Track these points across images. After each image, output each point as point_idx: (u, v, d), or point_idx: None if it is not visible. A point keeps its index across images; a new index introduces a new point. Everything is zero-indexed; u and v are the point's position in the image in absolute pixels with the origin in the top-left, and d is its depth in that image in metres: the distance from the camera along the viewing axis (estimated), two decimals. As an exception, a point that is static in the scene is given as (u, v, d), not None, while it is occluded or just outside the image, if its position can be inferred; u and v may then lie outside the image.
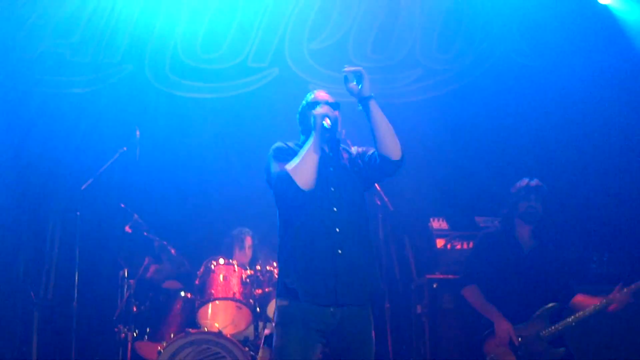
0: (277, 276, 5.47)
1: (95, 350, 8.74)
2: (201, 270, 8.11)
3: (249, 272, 8.06)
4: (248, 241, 8.64)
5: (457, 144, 9.64)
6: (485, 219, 8.54)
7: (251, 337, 7.91)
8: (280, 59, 9.92)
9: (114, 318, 8.03)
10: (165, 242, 8.36)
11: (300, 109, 5.53)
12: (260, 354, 7.30)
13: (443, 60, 10.02)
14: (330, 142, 5.39)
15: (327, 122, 5.17)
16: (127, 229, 8.27)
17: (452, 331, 8.11)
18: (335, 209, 5.21)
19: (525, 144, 9.63)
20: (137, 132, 8.59)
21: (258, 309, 7.90)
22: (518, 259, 7.12)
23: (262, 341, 7.31)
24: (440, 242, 8.67)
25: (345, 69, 5.29)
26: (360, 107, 5.22)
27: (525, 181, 7.23)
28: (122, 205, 8.40)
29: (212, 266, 8.04)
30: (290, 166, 5.06)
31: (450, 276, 8.21)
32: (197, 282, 8.09)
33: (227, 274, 8.00)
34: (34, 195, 9.32)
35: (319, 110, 5.24)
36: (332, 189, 5.26)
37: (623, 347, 7.96)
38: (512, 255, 7.13)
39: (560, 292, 7.08)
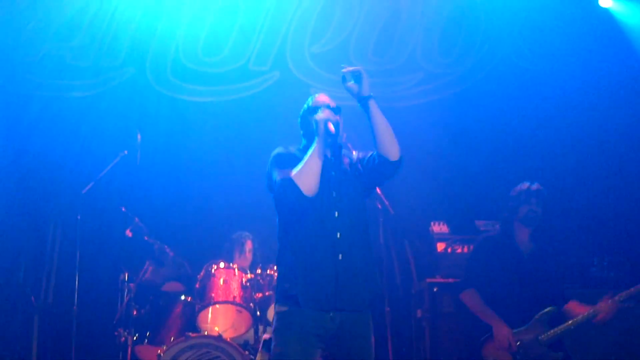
0: (276, 280, 5.45)
1: (95, 354, 8.72)
2: (201, 274, 8.12)
3: (249, 275, 8.06)
4: (248, 245, 8.65)
5: (458, 148, 9.64)
6: (485, 223, 8.55)
7: (251, 341, 7.91)
8: (282, 62, 9.94)
9: (114, 322, 8.04)
10: (164, 245, 8.34)
11: (301, 113, 5.51)
12: (258, 357, 7.29)
13: (444, 63, 10.03)
14: (332, 147, 5.38)
15: (330, 127, 5.17)
16: (128, 232, 8.27)
17: (452, 335, 8.11)
18: (336, 214, 5.20)
19: (526, 147, 9.64)
20: (139, 136, 8.59)
21: (258, 313, 7.90)
22: (517, 262, 7.09)
23: (261, 345, 7.30)
24: (440, 246, 8.68)
25: (344, 69, 5.30)
26: (360, 107, 5.22)
27: (526, 185, 7.20)
28: (123, 209, 8.39)
29: (213, 270, 8.04)
30: (293, 172, 5.06)
31: (450, 280, 8.21)
32: (197, 285, 8.10)
33: (227, 277, 8.01)
34: (35, 198, 9.31)
35: (322, 115, 5.23)
36: (334, 194, 5.25)
37: (622, 351, 7.94)
38: (511, 259, 7.11)
39: (559, 296, 7.06)
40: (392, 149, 5.18)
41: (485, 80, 9.92)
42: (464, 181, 9.57)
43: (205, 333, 7.75)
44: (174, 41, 9.87)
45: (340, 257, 5.13)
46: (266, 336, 7.38)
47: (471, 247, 8.31)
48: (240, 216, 9.15)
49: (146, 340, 7.99)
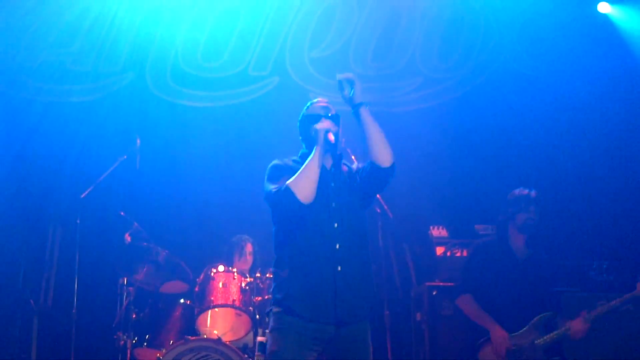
0: (272, 291, 5.42)
1: (95, 357, 8.71)
2: (201, 277, 8.11)
3: (248, 279, 8.06)
4: (248, 248, 8.64)
5: (457, 152, 9.65)
6: (484, 227, 8.56)
7: (250, 344, 7.90)
8: (281, 67, 9.95)
9: (113, 325, 8.03)
10: (157, 246, 8.32)
11: (300, 118, 5.51)
12: (255, 360, 7.36)
13: (443, 69, 10.05)
14: (332, 158, 5.40)
15: (330, 138, 5.19)
16: (127, 237, 8.26)
17: (451, 338, 8.10)
18: (336, 225, 5.20)
19: (525, 152, 9.64)
20: (138, 141, 8.60)
21: (257, 316, 7.88)
22: (512, 268, 7.08)
23: (256, 348, 7.32)
24: (439, 250, 8.69)
25: (338, 77, 5.30)
26: (352, 114, 5.23)
27: (525, 191, 7.17)
28: (122, 213, 8.39)
29: (212, 273, 8.04)
30: (290, 180, 5.06)
31: (449, 284, 8.19)
32: (196, 289, 8.09)
33: (226, 281, 8.00)
34: (34, 202, 9.30)
35: (322, 125, 5.25)
36: (333, 205, 5.25)
37: (620, 353, 7.93)
38: (507, 264, 7.10)
39: (554, 300, 7.06)
40: (384, 156, 5.17)
41: (484, 85, 9.94)
42: (463, 185, 9.57)
43: (205, 336, 7.74)
44: (173, 46, 9.88)
45: (339, 268, 5.12)
46: (261, 339, 7.41)
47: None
48: (239, 220, 9.14)
49: (145, 344, 7.99)
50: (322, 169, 5.22)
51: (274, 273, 5.34)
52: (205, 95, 9.90)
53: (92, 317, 8.61)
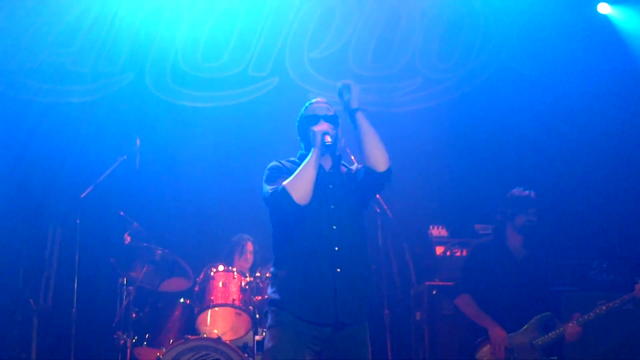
0: (269, 291, 5.41)
1: (95, 357, 8.73)
2: (201, 277, 8.11)
3: (248, 278, 8.06)
4: (249, 247, 8.65)
5: (457, 152, 9.66)
6: (484, 227, 8.54)
7: (250, 344, 7.89)
8: (281, 68, 9.96)
9: (113, 324, 8.01)
10: (152, 245, 8.30)
11: (299, 118, 5.50)
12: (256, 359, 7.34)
13: (443, 69, 10.06)
14: (331, 159, 5.40)
15: (327, 140, 5.18)
16: (127, 236, 8.26)
17: (451, 338, 8.10)
18: (334, 227, 5.19)
19: (524, 152, 9.66)
20: (138, 141, 8.59)
21: (257, 316, 7.88)
22: (510, 267, 7.10)
23: (255, 347, 7.33)
24: (439, 249, 8.70)
25: (337, 85, 5.30)
26: (349, 119, 5.24)
27: (524, 192, 7.17)
28: (122, 213, 8.39)
29: (212, 273, 8.03)
30: (287, 181, 5.06)
31: (449, 283, 8.19)
32: (196, 288, 8.08)
33: (226, 280, 7.99)
34: (34, 202, 9.30)
35: (319, 127, 5.24)
36: (332, 207, 5.24)
37: (619, 353, 7.93)
38: (504, 264, 7.11)
39: (552, 300, 7.07)
40: (379, 161, 5.15)
41: (484, 85, 9.96)
42: (463, 185, 9.59)
43: (205, 335, 7.74)
44: (173, 47, 9.89)
45: (338, 270, 5.10)
46: (258, 338, 7.41)
47: (470, 250, 8.35)
48: (239, 220, 9.15)
49: (145, 343, 7.98)
50: (321, 170, 5.23)
51: (272, 273, 5.30)
52: (205, 96, 9.90)
53: (92, 317, 8.62)
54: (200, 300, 7.98)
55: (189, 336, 7.58)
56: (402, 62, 10.01)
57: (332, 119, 5.34)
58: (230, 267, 8.14)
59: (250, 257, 8.63)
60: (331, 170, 5.38)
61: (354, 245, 5.22)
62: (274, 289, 5.21)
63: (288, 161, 5.42)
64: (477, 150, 9.71)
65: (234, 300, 7.90)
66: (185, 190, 9.52)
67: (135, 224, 8.33)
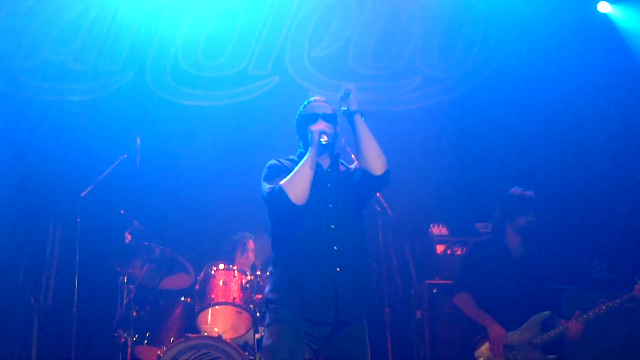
0: (267, 288, 5.40)
1: (95, 355, 8.71)
2: (201, 275, 8.11)
3: (248, 277, 8.06)
4: (250, 245, 8.67)
5: (457, 151, 9.67)
6: (485, 225, 8.53)
7: (251, 342, 7.88)
8: (281, 66, 9.96)
9: (114, 322, 8.01)
10: (151, 243, 8.30)
11: (297, 117, 5.48)
12: (257, 358, 7.32)
13: (443, 68, 10.07)
14: (329, 158, 5.39)
15: (324, 139, 5.17)
16: (127, 235, 8.27)
17: (451, 336, 8.11)
18: (332, 226, 5.18)
19: (525, 150, 9.66)
20: (138, 139, 8.59)
21: (258, 314, 7.88)
22: (508, 266, 7.09)
23: (256, 346, 7.34)
24: (440, 248, 8.71)
25: (339, 93, 5.29)
26: (347, 122, 5.24)
27: (525, 193, 7.15)
28: (122, 212, 8.40)
29: (212, 271, 8.04)
30: (283, 181, 5.06)
31: (450, 282, 8.19)
32: (197, 287, 8.09)
33: (227, 279, 8.00)
34: (35, 201, 9.30)
35: (316, 126, 5.23)
36: (330, 206, 5.23)
37: (619, 352, 7.94)
38: (503, 263, 7.11)
39: (551, 299, 7.07)
40: (375, 165, 5.14)
41: (484, 84, 9.97)
42: (463, 184, 9.59)
43: (205, 334, 7.75)
44: (173, 45, 9.89)
45: (338, 269, 5.09)
46: (259, 336, 7.42)
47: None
48: (240, 218, 9.16)
49: (146, 341, 7.98)
50: (319, 169, 5.23)
51: (271, 271, 5.31)
52: (205, 94, 9.91)
53: (93, 315, 8.60)
54: (201, 298, 7.99)
55: (190, 334, 7.58)
56: (402, 61, 10.01)
57: (331, 118, 5.33)
58: (230, 266, 8.15)
59: (251, 256, 8.64)
60: (329, 169, 5.37)
61: (353, 244, 5.21)
62: (272, 287, 5.21)
63: (287, 159, 5.41)
64: (477, 148, 9.72)
65: (234, 298, 7.91)
66: (185, 189, 9.53)
67: (136, 222, 8.33)
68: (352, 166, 5.47)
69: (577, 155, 9.64)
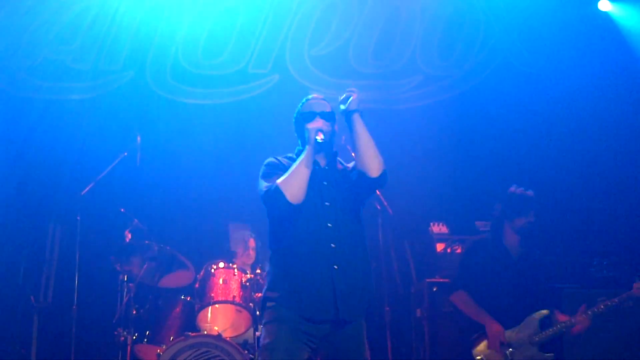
0: (265, 287, 5.39)
1: (95, 354, 8.71)
2: (201, 273, 8.10)
3: (248, 275, 8.05)
4: (252, 243, 8.66)
5: (458, 149, 9.66)
6: (485, 224, 8.51)
7: (250, 340, 7.87)
8: (281, 65, 9.95)
9: (114, 321, 8.00)
10: (151, 242, 8.29)
11: (295, 115, 5.46)
12: (256, 356, 7.33)
13: (443, 66, 10.06)
14: (326, 157, 5.37)
15: (320, 137, 5.15)
16: (127, 234, 8.27)
17: (451, 334, 8.10)
18: (330, 225, 5.16)
19: (525, 149, 9.66)
20: (138, 138, 8.59)
21: (258, 313, 7.85)
22: (507, 265, 7.07)
23: (257, 344, 7.34)
24: (440, 246, 8.71)
25: (341, 97, 5.27)
26: (345, 121, 5.22)
27: (525, 193, 7.12)
28: (122, 210, 8.40)
29: (212, 270, 8.03)
30: (280, 179, 5.05)
31: (449, 280, 8.19)
32: (196, 285, 8.09)
33: (227, 277, 7.99)
34: (35, 199, 9.29)
35: (314, 124, 5.22)
36: (327, 204, 5.21)
37: (618, 351, 7.93)
38: (501, 262, 7.08)
39: (549, 298, 7.05)
40: (371, 165, 5.12)
41: (484, 82, 9.96)
42: (463, 182, 9.58)
43: (205, 332, 7.74)
44: (173, 44, 9.89)
45: (335, 267, 5.07)
46: (258, 334, 7.41)
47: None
48: (241, 216, 9.15)
49: (146, 340, 7.97)
50: (316, 167, 5.21)
51: (269, 269, 5.29)
52: (205, 93, 9.91)
53: (92, 314, 8.61)
54: (201, 297, 7.99)
55: (189, 333, 7.56)
56: (403, 59, 10.00)
57: (329, 116, 5.31)
58: (230, 264, 8.13)
59: (252, 254, 8.62)
60: (326, 167, 5.35)
61: (350, 242, 5.19)
62: (270, 286, 5.20)
63: (285, 157, 5.40)
64: (477, 147, 9.72)
65: (234, 297, 7.90)
66: (186, 187, 9.53)
67: (136, 220, 8.33)
68: (350, 165, 5.43)
69: (577, 154, 9.63)
